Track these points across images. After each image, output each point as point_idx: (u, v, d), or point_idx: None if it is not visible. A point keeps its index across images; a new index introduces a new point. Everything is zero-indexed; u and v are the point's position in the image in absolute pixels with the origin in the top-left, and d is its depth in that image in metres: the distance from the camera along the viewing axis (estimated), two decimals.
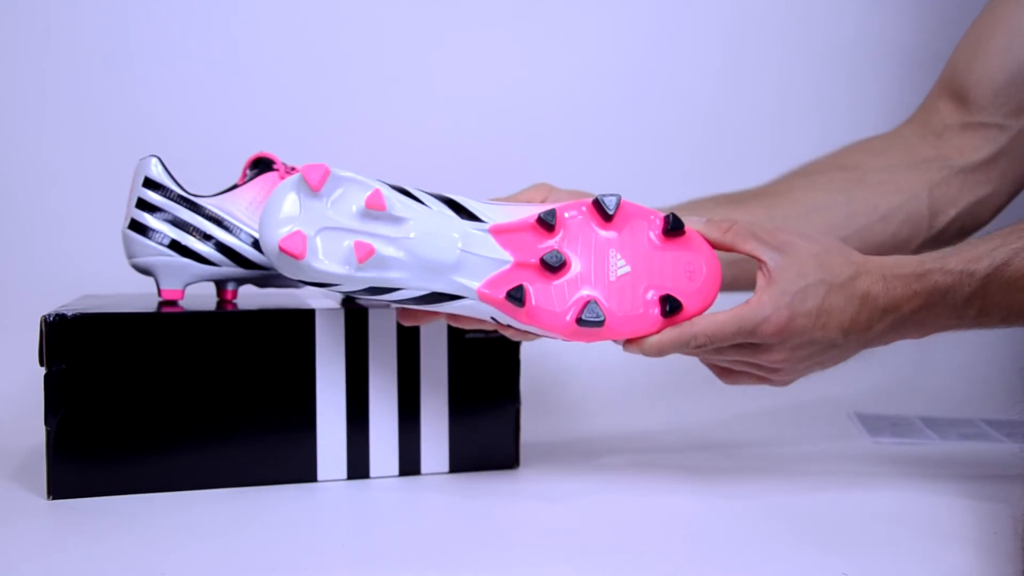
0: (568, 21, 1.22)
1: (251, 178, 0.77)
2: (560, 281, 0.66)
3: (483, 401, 0.78)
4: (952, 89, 0.88)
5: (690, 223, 0.68)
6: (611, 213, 0.66)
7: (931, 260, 0.67)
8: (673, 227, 0.67)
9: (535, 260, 0.66)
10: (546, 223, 0.66)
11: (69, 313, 0.68)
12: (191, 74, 1.12)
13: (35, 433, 0.75)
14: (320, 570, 0.57)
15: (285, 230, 0.63)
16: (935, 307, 0.67)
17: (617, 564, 0.58)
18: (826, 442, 0.92)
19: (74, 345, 0.68)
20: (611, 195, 0.67)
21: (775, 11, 1.27)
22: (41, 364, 0.69)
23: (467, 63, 1.19)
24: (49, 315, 0.68)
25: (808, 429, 0.97)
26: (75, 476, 0.68)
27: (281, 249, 0.62)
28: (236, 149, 0.91)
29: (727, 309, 0.66)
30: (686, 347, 0.67)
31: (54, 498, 0.68)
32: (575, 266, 0.67)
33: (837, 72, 1.28)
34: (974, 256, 0.67)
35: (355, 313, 0.74)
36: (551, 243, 0.66)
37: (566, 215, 0.67)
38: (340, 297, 0.82)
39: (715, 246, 0.68)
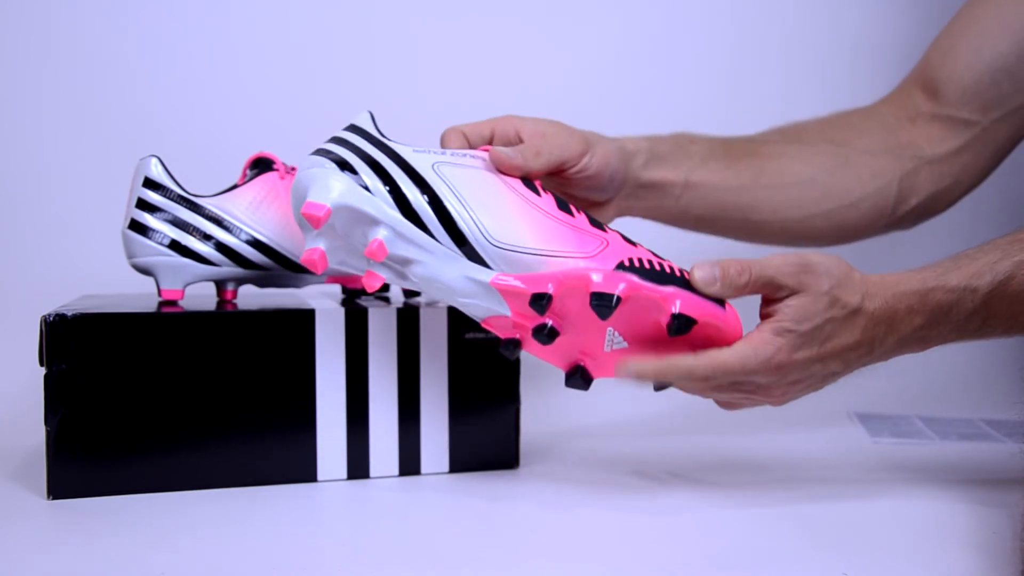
0: (570, 23, 1.22)
1: (251, 178, 0.77)
2: (552, 345, 0.66)
3: (483, 401, 0.78)
4: (925, 81, 0.89)
5: (701, 274, 0.63)
6: (610, 311, 0.62)
7: (932, 278, 0.66)
8: (678, 331, 0.63)
9: (529, 325, 0.65)
10: (538, 305, 0.63)
11: (69, 313, 0.68)
12: (191, 74, 1.12)
13: (35, 433, 0.75)
14: (320, 570, 0.57)
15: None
16: (938, 325, 0.66)
17: (616, 564, 0.58)
18: (826, 442, 0.92)
19: (74, 345, 0.68)
20: (608, 296, 0.61)
21: (778, 11, 1.27)
22: (41, 364, 0.69)
23: (468, 64, 1.19)
24: (49, 315, 0.68)
25: (808, 429, 0.97)
26: (75, 476, 0.68)
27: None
28: (236, 149, 0.91)
29: (728, 347, 0.63)
30: (682, 379, 0.64)
31: (54, 498, 0.68)
32: (568, 335, 0.66)
33: (840, 74, 1.28)
34: (975, 271, 0.66)
35: (355, 313, 0.74)
36: (544, 318, 0.64)
37: (563, 298, 0.63)
38: (340, 297, 0.82)
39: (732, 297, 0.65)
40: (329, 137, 0.68)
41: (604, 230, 0.66)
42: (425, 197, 0.64)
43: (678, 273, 0.64)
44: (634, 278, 0.62)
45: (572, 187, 0.76)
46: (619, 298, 0.62)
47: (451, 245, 0.64)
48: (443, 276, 0.65)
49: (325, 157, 0.65)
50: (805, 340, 0.63)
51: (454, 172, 0.66)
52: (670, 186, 0.81)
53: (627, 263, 0.63)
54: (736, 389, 0.66)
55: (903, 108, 0.90)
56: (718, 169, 0.83)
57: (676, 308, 0.62)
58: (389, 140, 0.67)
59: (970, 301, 0.66)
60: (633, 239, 0.67)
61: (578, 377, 0.67)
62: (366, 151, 0.66)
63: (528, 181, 0.68)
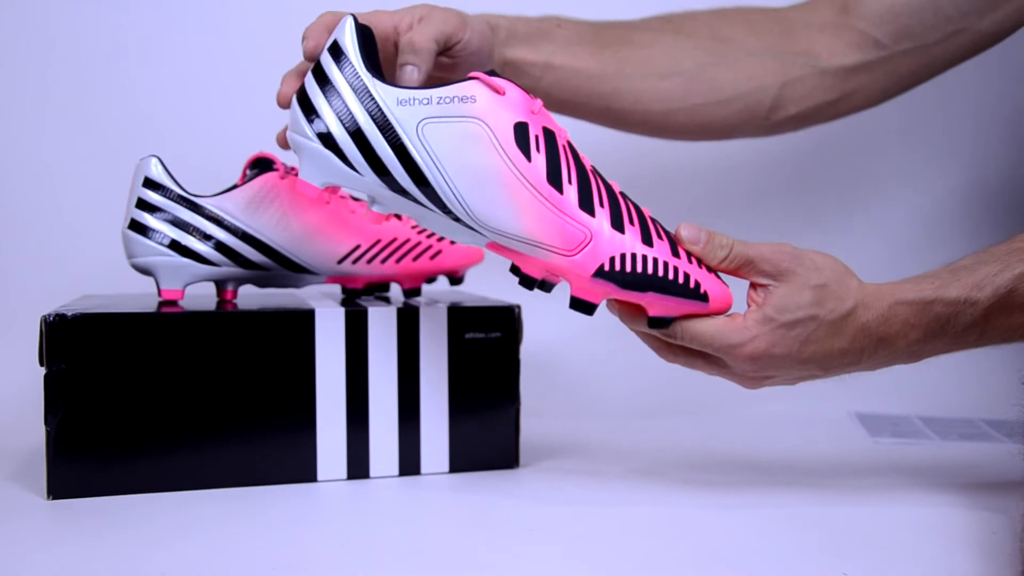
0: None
1: (251, 178, 0.77)
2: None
3: (483, 401, 0.78)
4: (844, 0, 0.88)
5: (686, 233, 0.64)
6: (590, 313, 0.65)
7: (931, 290, 0.64)
8: (656, 327, 0.65)
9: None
10: (526, 281, 0.65)
11: (69, 313, 0.68)
12: (191, 74, 1.12)
13: (35, 433, 0.75)
14: (320, 570, 0.57)
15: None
16: (934, 338, 0.65)
17: (616, 564, 0.58)
18: (826, 442, 0.92)
19: (74, 345, 0.68)
20: (587, 303, 0.64)
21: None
22: (41, 364, 0.69)
23: None
24: (49, 315, 0.68)
25: (808, 429, 0.97)
26: (75, 476, 0.68)
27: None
28: (236, 149, 0.91)
29: (710, 318, 0.64)
30: (647, 329, 0.65)
31: (54, 498, 0.68)
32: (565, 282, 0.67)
33: None
34: (975, 283, 0.64)
35: (355, 313, 0.74)
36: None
37: (550, 278, 0.65)
38: (340, 297, 0.82)
39: (712, 269, 0.65)
40: (313, 66, 0.65)
41: (593, 213, 0.63)
42: (410, 177, 0.63)
43: (661, 271, 0.63)
44: (612, 287, 0.63)
45: (456, 69, 0.74)
46: (596, 305, 0.64)
47: (441, 214, 0.64)
48: (441, 231, 0.66)
49: (306, 120, 0.64)
50: (784, 334, 0.62)
51: (440, 135, 0.62)
52: (529, 67, 0.80)
53: (607, 267, 0.62)
54: (706, 360, 0.66)
55: (813, 16, 0.89)
56: (582, 55, 0.82)
57: (653, 312, 0.64)
58: (372, 80, 0.63)
59: (969, 314, 0.64)
60: (628, 204, 0.64)
61: (581, 308, 0.66)
62: (349, 107, 0.63)
63: (522, 133, 0.62)
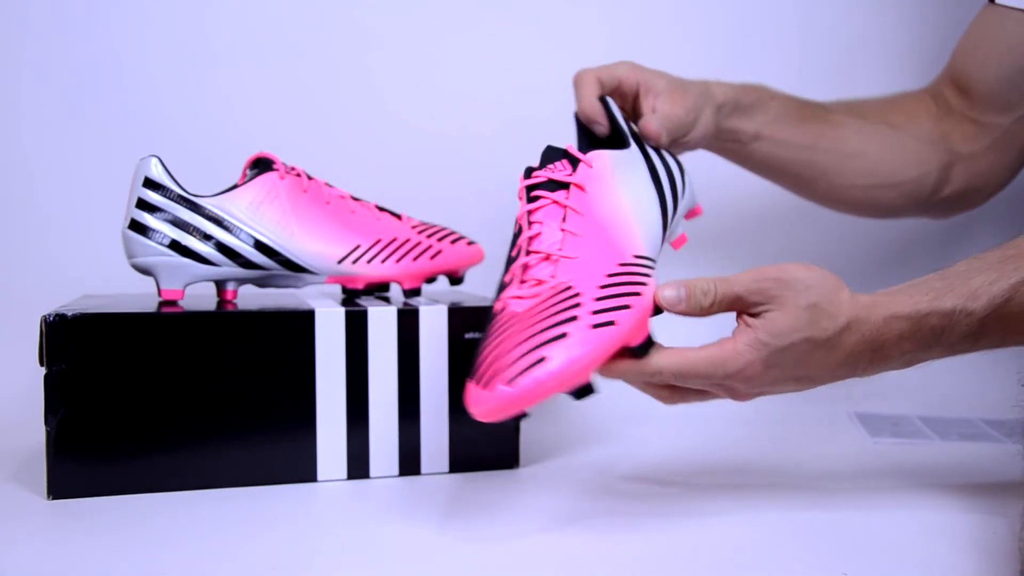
0: (570, 22, 1.22)
1: (251, 178, 0.77)
2: None
3: None
4: (954, 79, 0.94)
5: (667, 294, 0.61)
6: None
7: (926, 302, 0.63)
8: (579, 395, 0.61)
9: None
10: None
11: (69, 313, 0.68)
12: (190, 74, 1.12)
13: (35, 433, 0.75)
14: (320, 570, 0.57)
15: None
16: (929, 348, 0.64)
17: (615, 564, 0.58)
18: (826, 442, 0.92)
19: (74, 345, 0.68)
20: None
21: (781, 11, 1.27)
22: (41, 364, 0.69)
23: (465, 63, 1.19)
24: (49, 315, 0.68)
25: (808, 429, 0.97)
26: (75, 476, 0.68)
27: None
28: (236, 149, 0.91)
29: (699, 347, 0.61)
30: (642, 379, 0.62)
31: (54, 498, 0.68)
32: None
33: (842, 74, 1.28)
34: (970, 292, 0.63)
35: (355, 313, 0.74)
36: None
37: None
38: (340, 297, 0.82)
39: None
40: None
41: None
42: None
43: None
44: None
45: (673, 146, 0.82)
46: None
47: None
48: None
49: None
50: (780, 357, 0.61)
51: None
52: (741, 133, 0.88)
53: None
54: (698, 393, 0.65)
55: (941, 99, 0.95)
56: (787, 127, 0.89)
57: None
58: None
59: (964, 324, 0.63)
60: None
61: None
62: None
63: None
